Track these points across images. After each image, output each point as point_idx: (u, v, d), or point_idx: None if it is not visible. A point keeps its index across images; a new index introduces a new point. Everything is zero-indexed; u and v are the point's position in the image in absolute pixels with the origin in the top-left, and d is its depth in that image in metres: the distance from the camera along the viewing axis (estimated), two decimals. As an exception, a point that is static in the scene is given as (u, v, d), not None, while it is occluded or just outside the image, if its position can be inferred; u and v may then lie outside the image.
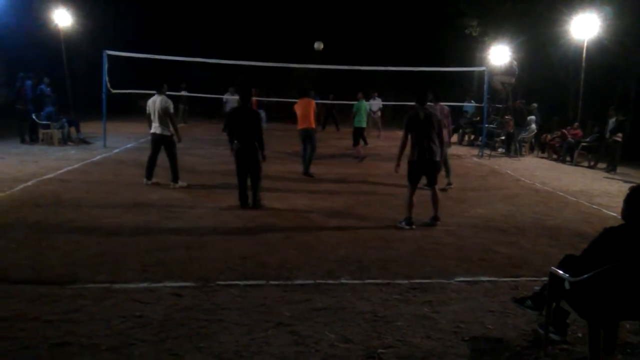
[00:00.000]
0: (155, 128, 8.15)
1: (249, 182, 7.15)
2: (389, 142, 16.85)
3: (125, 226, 6.01)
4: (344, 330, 3.60)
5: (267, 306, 3.96)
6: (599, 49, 15.74)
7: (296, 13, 27.47)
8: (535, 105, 15.55)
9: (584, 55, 14.80)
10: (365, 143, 14.48)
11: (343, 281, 4.54)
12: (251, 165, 7.09)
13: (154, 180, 8.38)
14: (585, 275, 3.07)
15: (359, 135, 12.86)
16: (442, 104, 8.90)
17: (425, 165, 6.39)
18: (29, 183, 8.13)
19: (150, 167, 8.37)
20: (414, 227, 6.34)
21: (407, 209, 6.43)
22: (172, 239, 5.57)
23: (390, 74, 24.52)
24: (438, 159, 6.50)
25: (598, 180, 10.77)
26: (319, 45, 17.31)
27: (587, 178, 11.02)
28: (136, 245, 5.30)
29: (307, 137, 9.78)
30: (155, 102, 8.09)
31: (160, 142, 8.24)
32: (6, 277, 4.33)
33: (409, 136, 6.42)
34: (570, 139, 13.52)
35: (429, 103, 8.80)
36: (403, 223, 6.40)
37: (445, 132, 8.68)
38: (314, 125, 9.89)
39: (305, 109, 9.71)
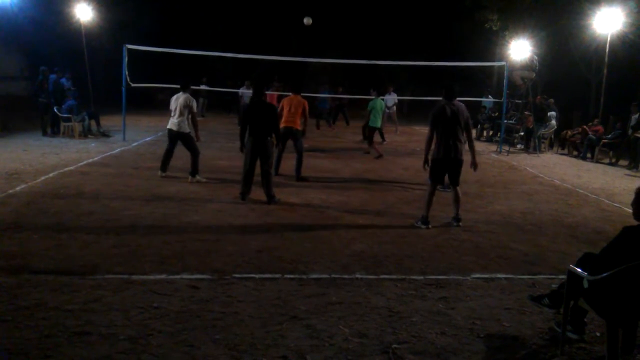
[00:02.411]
0: (173, 124, 8.21)
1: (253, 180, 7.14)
2: (406, 137, 16.77)
3: (143, 218, 6.09)
4: (358, 325, 3.61)
5: (282, 299, 3.98)
6: (623, 44, 15.42)
7: (315, 7, 27.40)
8: (552, 100, 15.30)
9: (607, 49, 14.50)
10: (383, 139, 14.39)
11: (358, 276, 4.55)
12: (262, 161, 7.10)
13: (168, 173, 8.47)
14: (604, 274, 3.03)
15: (373, 134, 12.09)
16: (459, 99, 8.68)
17: (450, 163, 6.22)
18: (51, 175, 8.28)
19: (166, 161, 8.46)
20: (430, 226, 6.21)
21: (425, 207, 6.28)
22: (189, 232, 5.63)
23: (408, 68, 24.33)
24: (463, 157, 6.33)
25: (619, 178, 10.59)
26: (308, 21, 15.80)
27: (608, 175, 10.84)
28: (154, 238, 5.37)
29: (289, 137, 8.83)
30: (178, 99, 8.17)
31: (176, 138, 8.30)
32: (28, 267, 4.42)
33: (435, 132, 6.21)
34: (591, 135, 13.28)
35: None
36: (419, 222, 6.26)
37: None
38: (299, 126, 8.82)
39: (294, 107, 8.70)
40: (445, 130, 6.18)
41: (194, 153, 8.26)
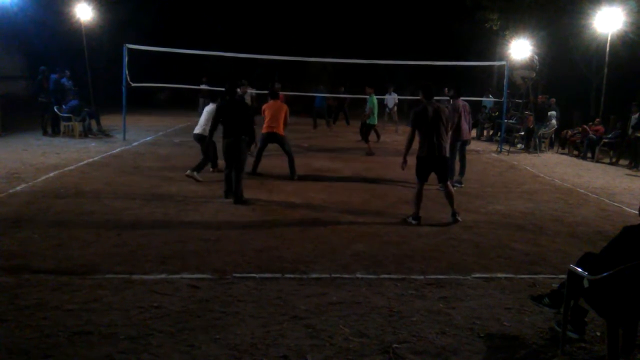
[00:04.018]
0: (196, 129, 8.87)
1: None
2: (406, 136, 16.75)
3: (144, 218, 6.09)
4: (358, 325, 3.61)
5: (283, 299, 3.98)
6: (623, 43, 15.42)
7: (315, 6, 27.39)
8: (553, 99, 15.30)
9: (607, 49, 14.50)
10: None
11: (358, 275, 4.55)
12: (235, 159, 7.07)
13: (218, 168, 8.88)
14: (605, 274, 3.03)
15: (370, 132, 12.65)
16: (462, 99, 8.75)
17: (435, 161, 6.32)
18: (51, 174, 8.28)
19: (213, 159, 8.96)
20: (421, 222, 6.29)
21: (415, 204, 6.39)
22: (189, 232, 5.64)
23: (409, 68, 24.31)
24: (447, 154, 6.48)
25: (619, 178, 10.58)
26: None
27: (608, 175, 10.83)
28: (154, 237, 5.37)
29: (273, 142, 8.91)
30: (207, 108, 8.86)
31: (198, 141, 8.82)
32: (29, 267, 4.43)
33: (417, 132, 6.32)
34: (591, 134, 13.28)
35: (450, 99, 8.72)
36: (410, 218, 6.37)
37: (466, 128, 8.67)
38: (282, 132, 8.88)
39: (275, 112, 8.82)
40: (428, 129, 6.27)
41: (205, 154, 8.55)
